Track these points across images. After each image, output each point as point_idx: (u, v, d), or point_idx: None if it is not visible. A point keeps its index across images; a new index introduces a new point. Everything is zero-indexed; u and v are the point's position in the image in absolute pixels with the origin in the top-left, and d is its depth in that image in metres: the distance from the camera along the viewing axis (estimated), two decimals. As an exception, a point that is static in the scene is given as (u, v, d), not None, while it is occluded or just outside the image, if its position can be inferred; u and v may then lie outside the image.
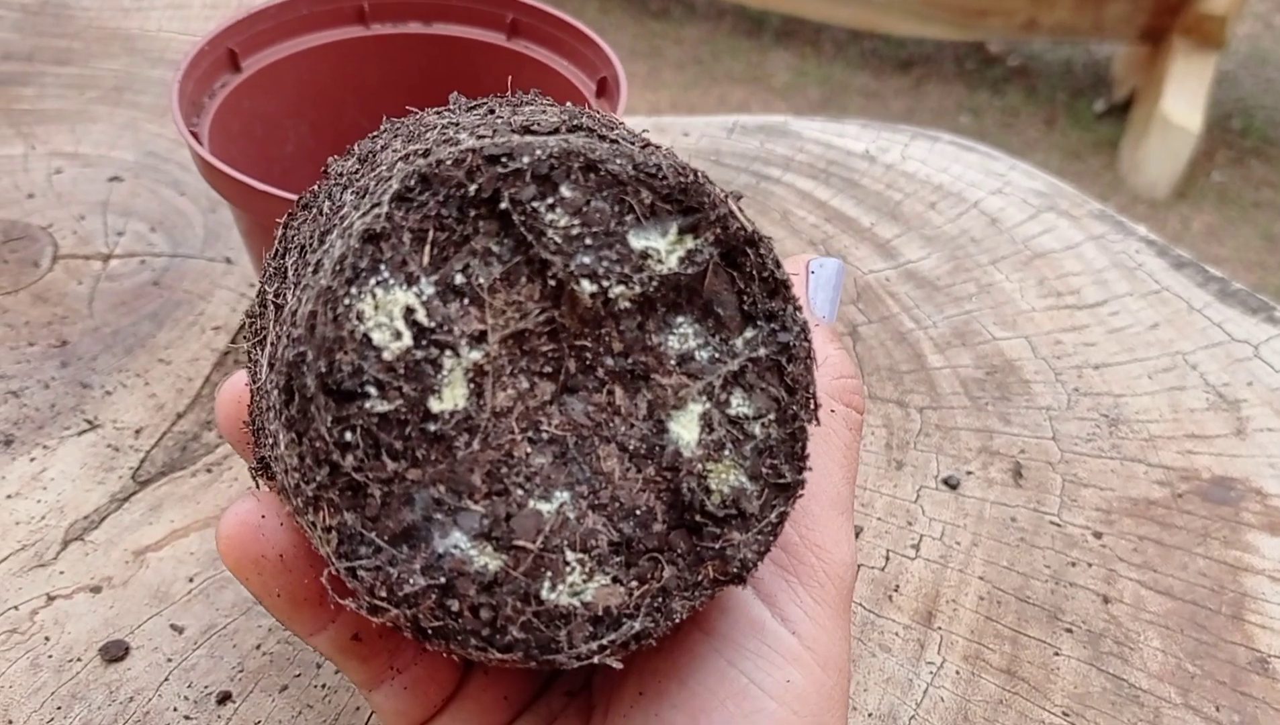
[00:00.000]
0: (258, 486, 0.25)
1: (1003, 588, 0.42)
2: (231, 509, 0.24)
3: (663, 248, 0.21)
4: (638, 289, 0.21)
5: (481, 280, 0.20)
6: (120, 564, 0.40)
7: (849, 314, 0.54)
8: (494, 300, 0.21)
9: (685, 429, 0.22)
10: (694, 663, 0.23)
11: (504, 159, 0.20)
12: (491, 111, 0.25)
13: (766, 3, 2.14)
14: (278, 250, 0.25)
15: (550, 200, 0.20)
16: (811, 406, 0.22)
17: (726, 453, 0.22)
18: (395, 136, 0.25)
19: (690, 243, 0.21)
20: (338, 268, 0.19)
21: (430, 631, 0.20)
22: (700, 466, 0.22)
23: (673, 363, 0.22)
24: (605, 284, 0.21)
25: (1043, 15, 2.01)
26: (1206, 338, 0.53)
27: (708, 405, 0.22)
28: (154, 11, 0.74)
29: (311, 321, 0.19)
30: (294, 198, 0.27)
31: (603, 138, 0.22)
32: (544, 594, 0.20)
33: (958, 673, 0.38)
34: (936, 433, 0.48)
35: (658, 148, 0.23)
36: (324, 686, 0.36)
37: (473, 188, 0.20)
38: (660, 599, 0.21)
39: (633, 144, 0.22)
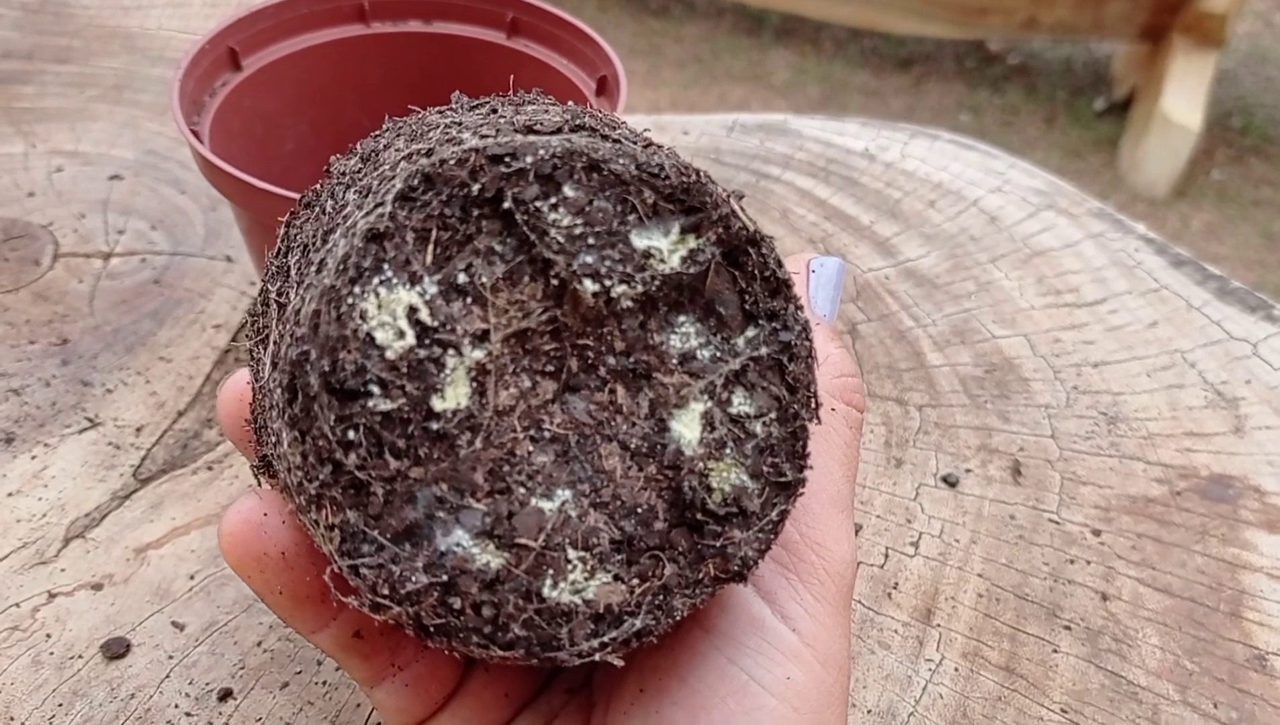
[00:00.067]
0: (260, 484, 0.25)
1: (1001, 585, 0.42)
2: (234, 507, 0.24)
3: (665, 247, 0.21)
4: (640, 288, 0.21)
5: (484, 279, 0.20)
6: (121, 561, 0.40)
7: (849, 312, 0.54)
8: (497, 299, 0.21)
9: (687, 428, 0.22)
10: (695, 660, 0.23)
11: (507, 159, 0.20)
12: (494, 111, 0.25)
13: (766, 1, 2.14)
14: (280, 249, 0.25)
15: (553, 200, 0.20)
16: (812, 405, 0.22)
17: (728, 451, 0.22)
18: (398, 135, 0.25)
19: (692, 242, 0.21)
20: (341, 267, 0.20)
21: (432, 629, 0.20)
22: (702, 465, 0.22)
23: (674, 362, 0.22)
24: (607, 283, 0.21)
25: (1043, 13, 2.01)
26: (1205, 336, 0.53)
27: (709, 404, 0.22)
28: (154, 10, 0.74)
29: (315, 320, 0.19)
30: (294, 196, 0.27)
31: (605, 137, 0.22)
32: (546, 592, 0.20)
33: (956, 670, 0.38)
34: (936, 431, 0.48)
35: (660, 147, 0.23)
36: (325, 683, 0.36)
37: (476, 187, 0.20)
38: (661, 597, 0.21)
39: (635, 144, 0.22)
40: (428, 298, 0.20)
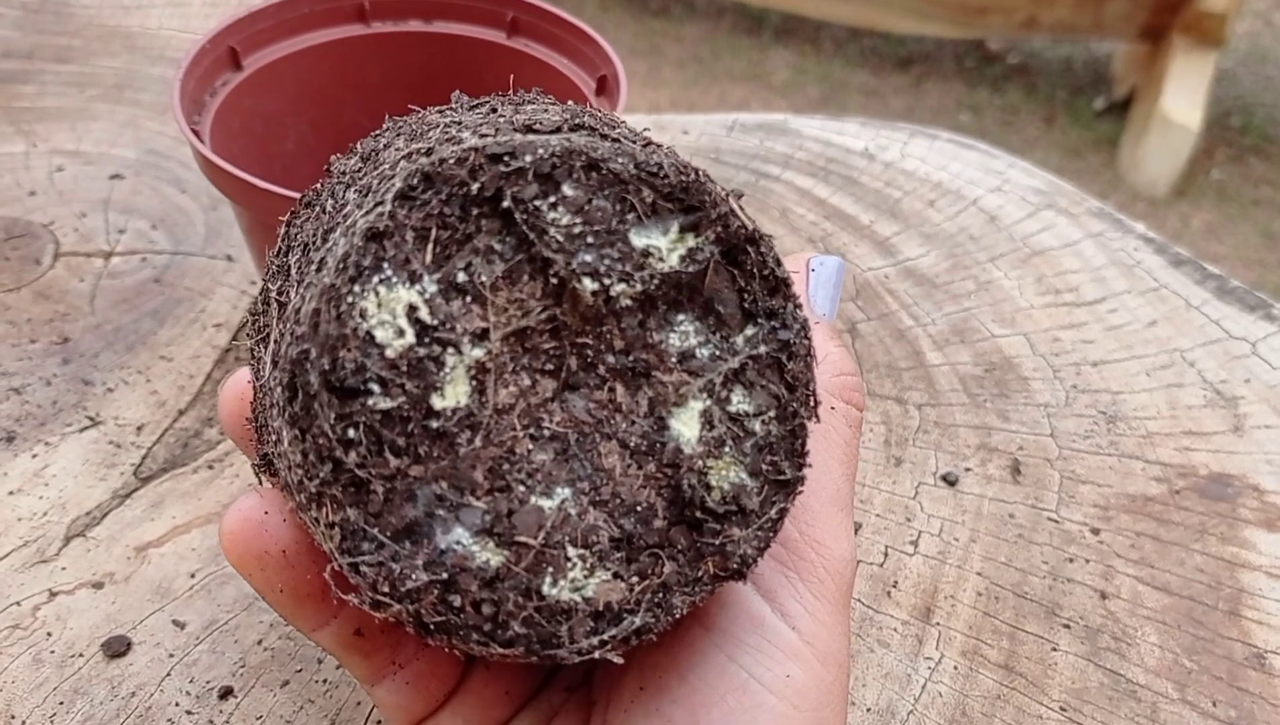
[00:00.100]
0: (260, 483, 0.25)
1: (1001, 584, 0.42)
2: (235, 505, 0.24)
3: (664, 246, 0.21)
4: (639, 287, 0.21)
5: (484, 278, 0.21)
6: (122, 560, 0.40)
7: (848, 311, 0.54)
8: (496, 298, 0.21)
9: (686, 426, 0.22)
10: (694, 658, 0.23)
11: (506, 158, 0.20)
12: (494, 110, 0.25)
13: (766, 1, 2.14)
14: (281, 248, 0.25)
15: (552, 199, 0.21)
16: (811, 404, 0.22)
17: (727, 449, 0.22)
18: (398, 135, 0.25)
19: (691, 241, 0.21)
20: (341, 265, 0.20)
21: (432, 627, 0.20)
22: (701, 463, 0.22)
23: (674, 360, 0.22)
24: (607, 282, 0.21)
25: (1042, 13, 2.01)
26: (1204, 335, 0.53)
27: (708, 402, 0.22)
28: (154, 9, 0.74)
29: (315, 319, 0.20)
30: (295, 195, 0.27)
31: (604, 136, 0.22)
32: (545, 589, 0.20)
33: (956, 668, 0.39)
34: (935, 429, 0.48)
35: (659, 146, 0.23)
36: (325, 681, 0.37)
37: (475, 186, 0.20)
38: (661, 594, 0.21)
39: (634, 143, 0.22)
40: (427, 296, 0.20)
